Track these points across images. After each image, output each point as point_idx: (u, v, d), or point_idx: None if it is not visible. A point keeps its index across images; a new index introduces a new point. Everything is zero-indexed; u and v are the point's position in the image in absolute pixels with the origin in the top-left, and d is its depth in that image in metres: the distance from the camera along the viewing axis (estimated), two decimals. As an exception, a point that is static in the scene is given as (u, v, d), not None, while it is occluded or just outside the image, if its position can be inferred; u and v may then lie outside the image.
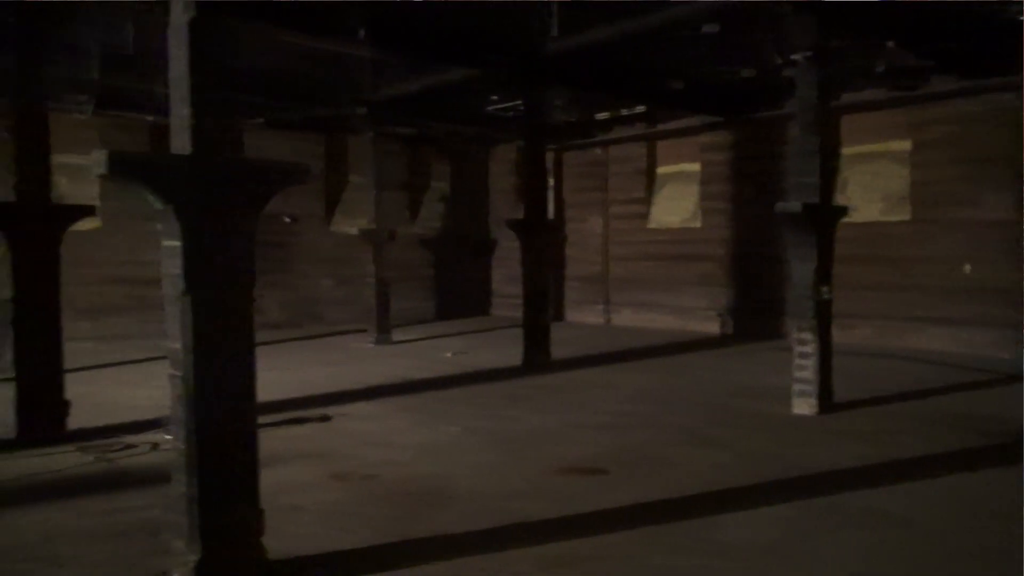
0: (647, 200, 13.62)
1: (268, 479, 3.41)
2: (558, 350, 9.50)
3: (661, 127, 12.99)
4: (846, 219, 6.95)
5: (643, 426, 6.18)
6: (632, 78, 10.02)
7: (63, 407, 5.90)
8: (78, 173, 11.14)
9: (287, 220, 13.32)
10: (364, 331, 11.71)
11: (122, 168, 2.95)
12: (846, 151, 10.99)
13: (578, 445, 5.60)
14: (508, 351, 9.72)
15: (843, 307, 7.66)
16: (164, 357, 3.28)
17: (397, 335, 11.78)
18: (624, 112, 12.54)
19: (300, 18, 6.99)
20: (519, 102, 11.01)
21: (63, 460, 5.16)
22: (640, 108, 12.25)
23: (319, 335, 12.54)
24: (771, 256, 11.35)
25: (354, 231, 11.81)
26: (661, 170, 13.58)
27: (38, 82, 5.92)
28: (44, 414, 5.79)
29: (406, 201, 15.16)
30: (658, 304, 13.25)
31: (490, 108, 12.29)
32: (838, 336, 6.83)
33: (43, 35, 5.96)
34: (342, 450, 5.45)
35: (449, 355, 10.32)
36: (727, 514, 4.09)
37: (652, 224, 13.54)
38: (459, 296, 15.63)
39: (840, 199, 10.21)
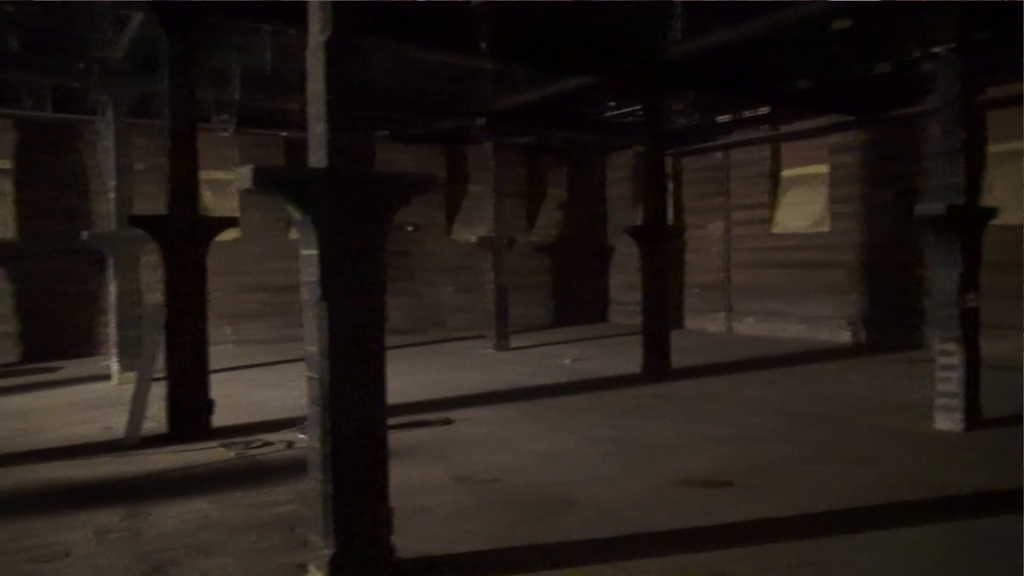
0: (771, 204, 13.16)
1: (393, 480, 3.51)
2: (678, 358, 9.33)
3: (786, 129, 12.55)
4: (994, 221, 6.48)
5: (769, 439, 5.97)
6: (758, 79, 9.72)
7: (208, 406, 6.33)
8: (220, 187, 11.95)
9: (410, 229, 13.75)
10: (483, 337, 11.92)
11: (266, 182, 3.15)
12: (993, 149, 10.25)
13: (701, 457, 5.47)
14: (627, 359, 9.63)
15: (991, 316, 7.12)
16: (295, 360, 3.46)
17: (515, 341, 11.91)
18: (746, 114, 12.19)
19: (426, 32, 7.21)
20: (637, 108, 10.92)
21: (209, 455, 5.53)
22: (763, 110, 11.87)
23: (440, 340, 12.86)
24: (906, 262, 10.74)
25: (473, 239, 12.06)
26: (786, 173, 13.10)
27: (189, 104, 6.39)
28: (192, 412, 6.23)
29: (524, 209, 15.33)
30: (783, 312, 12.76)
31: (607, 115, 12.25)
32: (986, 347, 6.38)
33: (194, 60, 6.43)
34: (464, 454, 5.56)
35: (567, 362, 10.33)
36: (862, 535, 3.88)
37: (776, 229, 13.07)
38: (577, 303, 15.63)
39: (987, 200, 9.52)
